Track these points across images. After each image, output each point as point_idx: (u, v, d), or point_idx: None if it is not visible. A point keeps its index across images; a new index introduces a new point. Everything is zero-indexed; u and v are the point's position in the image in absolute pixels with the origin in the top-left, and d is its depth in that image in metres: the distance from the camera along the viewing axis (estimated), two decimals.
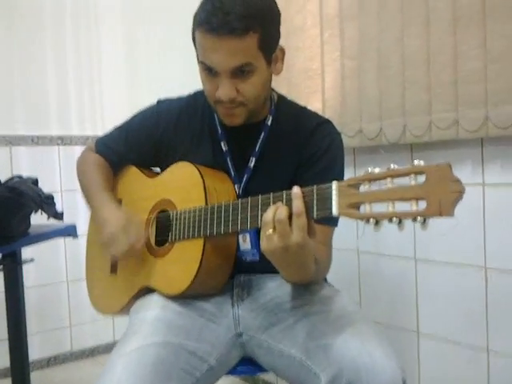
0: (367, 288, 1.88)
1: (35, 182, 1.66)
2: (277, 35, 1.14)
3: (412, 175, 0.76)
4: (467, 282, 1.57)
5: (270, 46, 1.12)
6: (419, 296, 1.72)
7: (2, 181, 1.60)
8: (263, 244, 0.92)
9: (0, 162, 2.18)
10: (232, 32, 1.03)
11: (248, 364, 1.21)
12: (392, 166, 0.78)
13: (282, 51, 1.18)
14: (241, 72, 1.08)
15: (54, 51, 2.37)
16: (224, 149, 1.24)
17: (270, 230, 0.90)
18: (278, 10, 1.14)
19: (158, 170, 1.36)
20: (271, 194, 0.96)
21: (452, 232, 1.55)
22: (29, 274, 2.05)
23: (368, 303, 1.87)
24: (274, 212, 0.90)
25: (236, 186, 1.21)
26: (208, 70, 1.10)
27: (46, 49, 2.34)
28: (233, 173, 1.22)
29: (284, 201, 0.93)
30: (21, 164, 2.23)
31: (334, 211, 0.84)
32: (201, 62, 1.11)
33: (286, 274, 1.06)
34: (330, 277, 1.28)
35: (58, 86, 2.38)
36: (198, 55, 1.13)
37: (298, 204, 0.89)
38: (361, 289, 1.90)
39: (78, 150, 1.47)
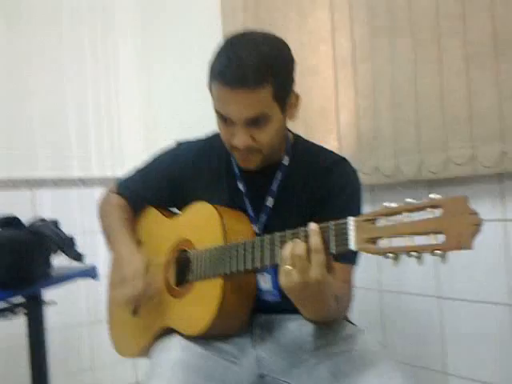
0: (391, 327, 1.85)
1: (56, 224, 1.69)
2: (291, 83, 1.15)
3: (429, 209, 0.76)
4: (493, 320, 1.54)
5: (285, 95, 1.13)
6: (445, 335, 1.68)
7: (25, 223, 1.63)
8: (282, 280, 0.92)
9: (23, 205, 2.22)
10: (246, 85, 1.04)
11: None
12: (408, 200, 0.79)
13: (297, 97, 1.19)
14: (256, 122, 1.09)
15: (75, 95, 2.44)
16: (242, 189, 1.25)
17: (289, 266, 0.90)
18: (292, 57, 1.15)
19: (176, 210, 1.38)
20: (287, 231, 0.97)
21: (475, 269, 1.53)
22: (50, 315, 2.05)
23: (392, 343, 1.83)
24: (292, 247, 0.91)
25: (255, 226, 1.21)
26: (223, 119, 1.13)
27: (66, 94, 2.41)
28: (251, 213, 1.23)
29: (301, 237, 0.93)
30: (43, 206, 2.27)
31: (352, 246, 0.84)
32: (216, 110, 1.14)
33: (306, 311, 1.05)
34: (351, 315, 1.26)
35: (78, 129, 2.44)
36: (214, 103, 1.16)
37: (315, 240, 0.89)
38: (384, 328, 1.86)
39: (98, 192, 1.49)
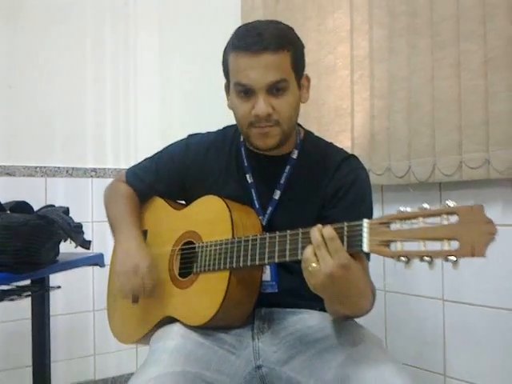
0: (393, 328, 1.85)
1: (66, 211, 1.69)
2: (304, 62, 1.19)
3: (444, 215, 0.76)
4: (498, 325, 1.54)
5: (300, 69, 1.17)
6: (447, 338, 1.68)
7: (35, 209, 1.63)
8: (311, 280, 0.91)
9: (35, 192, 2.23)
10: (267, 48, 1.08)
11: None
12: (424, 205, 0.79)
13: (308, 79, 1.22)
14: (276, 89, 1.11)
15: (93, 88, 2.44)
16: (249, 181, 1.25)
17: (314, 264, 0.89)
18: (303, 43, 1.20)
19: (184, 203, 1.38)
20: (299, 229, 0.97)
21: (483, 274, 1.52)
22: (57, 301, 2.06)
23: (394, 344, 1.83)
24: (313, 246, 0.90)
25: (260, 218, 1.21)
26: (243, 91, 1.13)
27: (85, 86, 2.42)
28: (257, 205, 1.23)
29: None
30: (55, 194, 2.27)
31: (365, 248, 0.84)
32: (235, 84, 1.14)
33: (347, 307, 1.02)
34: None
35: (95, 121, 2.44)
36: (230, 80, 1.17)
37: (328, 229, 0.89)
38: (386, 329, 1.86)
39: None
